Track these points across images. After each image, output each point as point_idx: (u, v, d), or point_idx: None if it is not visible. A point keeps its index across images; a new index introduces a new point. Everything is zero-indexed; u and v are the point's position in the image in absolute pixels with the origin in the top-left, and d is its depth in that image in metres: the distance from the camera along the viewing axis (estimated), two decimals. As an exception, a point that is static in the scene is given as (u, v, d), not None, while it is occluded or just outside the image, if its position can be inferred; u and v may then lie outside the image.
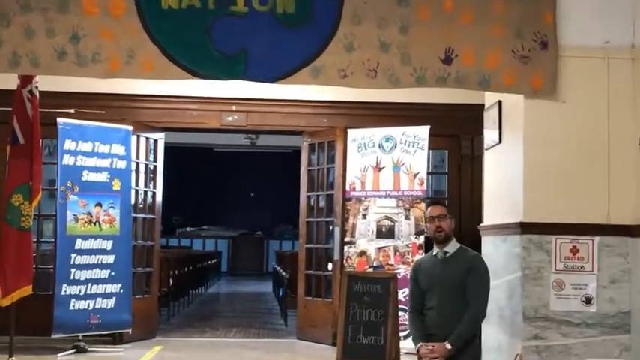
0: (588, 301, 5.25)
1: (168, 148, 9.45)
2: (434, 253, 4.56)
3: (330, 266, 8.82)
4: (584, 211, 5.34)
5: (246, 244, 23.78)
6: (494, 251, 5.83)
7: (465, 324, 4.32)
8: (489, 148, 6.21)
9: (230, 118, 9.01)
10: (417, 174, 8.01)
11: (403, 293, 7.01)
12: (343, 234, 8.39)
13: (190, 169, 24.38)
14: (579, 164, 5.39)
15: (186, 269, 12.57)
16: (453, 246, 4.55)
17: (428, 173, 8.37)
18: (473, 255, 4.56)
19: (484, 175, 6.53)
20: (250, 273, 22.41)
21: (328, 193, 9.02)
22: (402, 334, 7.18)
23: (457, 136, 9.05)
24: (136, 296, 8.49)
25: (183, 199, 24.32)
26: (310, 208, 9.26)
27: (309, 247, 9.14)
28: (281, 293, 11.74)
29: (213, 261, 18.59)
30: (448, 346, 4.24)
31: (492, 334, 5.81)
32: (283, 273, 11.57)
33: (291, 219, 24.53)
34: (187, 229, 24.93)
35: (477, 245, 6.10)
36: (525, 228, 5.31)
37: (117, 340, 8.22)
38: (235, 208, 25.02)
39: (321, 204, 9.19)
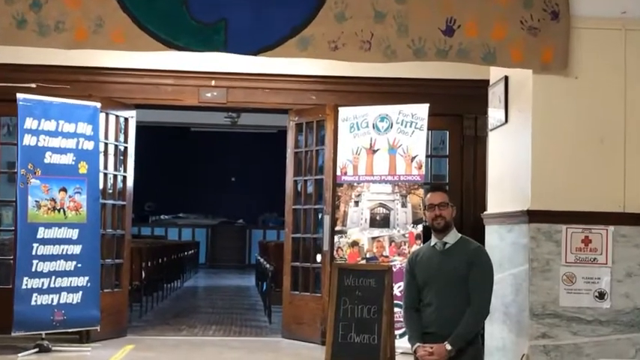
0: (601, 296, 5.28)
1: (141, 128, 9.41)
2: (432, 244, 4.56)
3: (318, 258, 8.84)
4: (597, 198, 5.35)
5: (227, 233, 23.82)
6: (499, 242, 5.85)
7: (467, 322, 4.33)
8: (494, 128, 6.22)
9: (209, 95, 8.99)
10: (414, 157, 8.01)
11: (399, 288, 7.04)
12: (333, 223, 8.40)
13: (165, 150, 24.34)
14: (593, 146, 5.41)
15: (160, 261, 12.56)
16: (453, 236, 4.55)
17: (427, 156, 8.39)
18: (475, 247, 4.56)
19: (488, 158, 6.54)
20: (231, 265, 22.46)
21: (317, 177, 9.02)
22: (397, 332, 7.23)
23: (459, 115, 9.05)
24: (105, 290, 8.47)
25: (157, 184, 24.28)
26: (297, 194, 9.26)
27: (295, 236, 9.15)
28: (265, 287, 11.77)
29: (191, 252, 18.62)
30: (448, 347, 4.26)
31: (496, 333, 5.84)
32: (267, 265, 11.59)
33: (277, 206, 24.49)
34: (161, 217, 24.93)
35: (480, 235, 6.13)
36: (533, 216, 5.33)
37: (84, 338, 8.20)
38: (215, 194, 25.02)
39: (310, 189, 9.18)
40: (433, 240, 4.57)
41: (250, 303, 13.38)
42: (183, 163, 25.11)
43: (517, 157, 5.67)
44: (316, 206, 9.01)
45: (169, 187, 24.99)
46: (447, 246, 4.52)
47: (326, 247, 8.60)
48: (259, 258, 15.04)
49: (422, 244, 7.81)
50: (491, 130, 6.34)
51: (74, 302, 7.90)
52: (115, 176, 8.89)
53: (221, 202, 25.10)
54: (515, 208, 5.55)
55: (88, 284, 8.00)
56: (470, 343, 4.41)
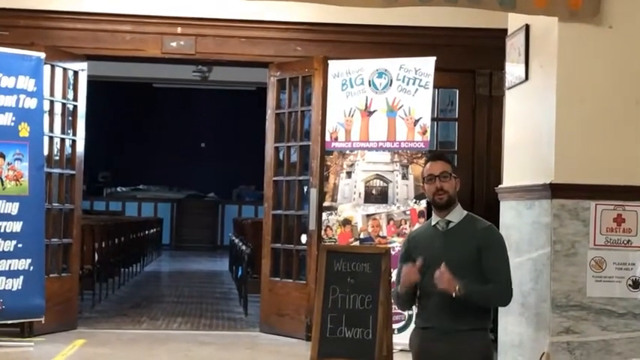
0: (636, 285, 5.31)
1: (93, 84, 9.39)
2: (433, 224, 4.53)
3: (303, 239, 8.87)
4: (632, 170, 5.36)
5: (195, 209, 23.91)
6: (517, 221, 5.87)
7: (488, 287, 4.32)
8: (512, 86, 6.21)
9: (174, 44, 8.96)
10: (418, 120, 8.03)
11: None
12: (321, 197, 8.42)
13: (122, 111, 24.31)
14: (627, 109, 5.41)
15: (116, 241, 12.58)
16: (457, 214, 4.51)
17: (432, 119, 8.41)
18: (485, 226, 4.52)
19: (505, 121, 6.53)
20: (200, 247, 22.58)
21: (302, 143, 9.03)
22: (395, 326, 7.32)
23: (471, 71, 9.07)
24: (51, 276, 8.47)
25: (112, 151, 24.29)
26: (279, 164, 9.27)
27: (277, 213, 9.18)
28: (240, 273, 11.80)
29: (153, 231, 18.64)
30: (458, 285, 4.23)
31: (512, 327, 5.87)
32: (243, 247, 11.62)
33: (254, 178, 24.52)
34: (118, 189, 24.93)
35: (494, 213, 6.15)
36: (557, 191, 5.33)
37: (26, 331, 8.20)
38: (181, 162, 24.98)
39: (293, 158, 9.19)
40: (434, 218, 4.54)
41: (223, 291, 13.44)
42: (144, 126, 25.06)
43: (539, 121, 5.67)
44: (301, 178, 9.02)
45: (127, 154, 24.97)
46: (451, 225, 4.48)
47: (312, 226, 8.63)
48: (234, 238, 15.08)
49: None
50: (508, 88, 6.33)
51: (14, 289, 7.87)
52: (63, 140, 8.84)
53: (189, 173, 25.08)
54: (536, 181, 5.55)
55: (31, 268, 7.97)
56: (478, 338, 4.41)
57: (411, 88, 8.07)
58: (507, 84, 6.34)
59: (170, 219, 23.43)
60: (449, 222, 4.44)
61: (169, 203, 23.87)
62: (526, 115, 5.98)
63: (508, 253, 4.58)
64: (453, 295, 4.23)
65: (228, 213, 23.45)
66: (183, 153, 25.06)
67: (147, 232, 17.40)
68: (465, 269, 4.32)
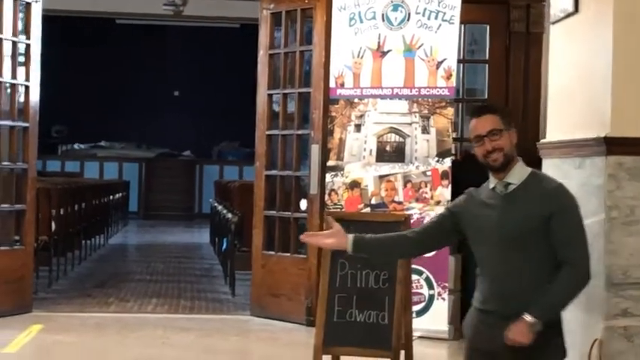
0: None
1: (44, 19, 9.30)
2: (491, 187, 4.39)
3: (303, 204, 8.89)
4: None
5: (168, 170, 23.97)
6: (563, 182, 5.83)
7: (563, 283, 4.19)
8: (558, 21, 6.15)
9: None
10: (441, 62, 8.01)
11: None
12: (325, 155, 8.43)
13: (79, 53, 24.17)
14: (700, 47, 5.36)
15: (76, 208, 12.53)
16: (518, 174, 4.34)
17: (458, 61, 8.36)
18: (553, 187, 4.36)
19: (549, 64, 6.48)
20: (174, 215, 22.67)
21: (302, 90, 9.01)
22: (414, 308, 7.33)
23: (504, 2, 9.04)
24: (1, 248, 8.54)
25: (68, 101, 24.14)
26: (273, 115, 9.25)
27: (271, 174, 9.19)
28: (225, 246, 11.80)
29: (118, 196, 18.62)
30: (529, 318, 4.11)
31: (557, 310, 5.86)
32: (229, 215, 11.59)
33: (239, 132, 24.62)
34: (75, 146, 24.88)
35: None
36: (613, 146, 5.30)
37: (-28, 315, 8.26)
38: (150, 115, 24.95)
39: (291, 108, 9.17)
40: (492, 181, 4.38)
41: (204, 267, 13.49)
42: (106, 72, 24.93)
43: (591, 63, 5.62)
44: (300, 132, 9.03)
45: (86, 105, 24.87)
46: (511, 188, 4.34)
47: (314, 189, 8.64)
48: (216, 205, 15.07)
49: (449, 186, 7.95)
50: (552, 23, 6.27)
51: None
52: (13, 86, 8.84)
53: (160, 127, 25.08)
54: (588, 135, 5.52)
55: None
56: (552, 329, 4.29)
57: (433, 23, 8.05)
58: (552, 18, 6.27)
59: (138, 182, 23.42)
60: (508, 184, 4.30)
61: (137, 163, 23.87)
62: (575, 55, 5.93)
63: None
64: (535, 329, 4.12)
65: (207, 175, 23.46)
66: (153, 103, 25.03)
67: (111, 197, 17.38)
68: (528, 238, 4.21)
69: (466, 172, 8.42)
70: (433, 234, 4.48)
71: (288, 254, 8.98)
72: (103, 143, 24.96)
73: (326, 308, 6.56)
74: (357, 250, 4.41)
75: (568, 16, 5.97)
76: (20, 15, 8.85)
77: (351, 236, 4.37)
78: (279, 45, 9.23)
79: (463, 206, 4.36)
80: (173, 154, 24.93)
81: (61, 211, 11.30)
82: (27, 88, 8.89)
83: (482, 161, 4.26)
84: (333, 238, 4.40)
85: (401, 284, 6.50)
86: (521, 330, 4.05)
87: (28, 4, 8.86)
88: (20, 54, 8.88)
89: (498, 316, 4.18)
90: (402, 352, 6.45)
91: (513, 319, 4.09)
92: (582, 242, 4.25)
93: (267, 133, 9.21)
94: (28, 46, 8.89)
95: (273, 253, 9.09)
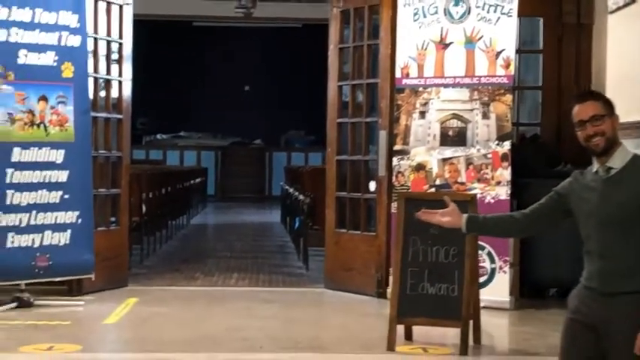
0: None
1: (133, 22, 9.25)
2: (594, 170, 4.19)
3: (372, 186, 8.78)
4: None
5: (241, 157, 23.88)
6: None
7: None
8: (617, 9, 5.96)
9: None
10: (500, 52, 7.91)
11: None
12: (392, 141, 8.35)
13: (160, 52, 24.15)
14: None
15: (163, 192, 12.53)
16: (620, 157, 4.11)
17: (516, 51, 8.24)
18: None
19: (607, 52, 6.27)
20: (247, 197, 22.63)
21: (369, 81, 8.92)
22: (481, 278, 7.18)
23: (557, -5, 8.95)
24: (99, 229, 8.47)
25: (151, 96, 24.13)
26: (343, 105, 9.19)
27: (341, 159, 9.12)
28: (297, 225, 11.70)
29: (197, 181, 18.61)
30: None
31: None
32: (301, 197, 11.49)
33: (305, 122, 24.64)
34: (158, 136, 24.91)
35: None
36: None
37: (74, 290, 8.22)
38: (224, 107, 24.90)
39: (359, 98, 9.10)
40: (594, 164, 4.19)
41: (277, 244, 13.44)
42: (184, 69, 24.95)
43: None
44: (368, 119, 8.94)
45: (167, 98, 24.90)
46: (613, 172, 4.14)
47: (382, 172, 8.55)
48: (287, 187, 14.99)
49: (509, 167, 7.78)
50: (611, 12, 6.08)
51: (61, 244, 7.86)
52: (109, 82, 8.81)
53: (233, 118, 25.01)
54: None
55: (79, 221, 7.96)
56: None
57: (492, 16, 7.96)
58: (610, 6, 6.07)
59: (214, 168, 23.46)
60: (610, 168, 4.10)
61: (213, 151, 23.88)
62: (634, 43, 5.71)
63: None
64: None
65: (276, 161, 23.42)
66: (226, 97, 24.97)
67: (191, 182, 17.37)
68: (629, 220, 4.01)
69: (523, 154, 8.34)
70: (543, 215, 4.27)
71: (359, 232, 8.90)
72: (182, 133, 24.99)
73: (400, 282, 6.46)
74: (470, 229, 4.29)
75: (627, 4, 5.78)
76: (114, 15, 8.79)
77: (465, 216, 4.24)
78: (347, 40, 9.15)
79: (570, 188, 4.16)
80: (245, 143, 24.91)
81: (150, 195, 11.32)
82: (120, 83, 8.88)
83: (584, 145, 4.05)
84: (449, 216, 4.25)
85: (469, 258, 6.38)
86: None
87: (121, 7, 8.83)
88: (114, 52, 8.85)
89: (599, 293, 4.00)
90: (470, 322, 6.33)
91: (614, 297, 3.93)
92: None
93: (338, 121, 9.13)
94: (120, 45, 8.87)
95: (344, 230, 9.01)
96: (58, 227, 7.86)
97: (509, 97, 7.91)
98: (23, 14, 7.70)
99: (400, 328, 6.48)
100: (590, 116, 3.97)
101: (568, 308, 4.14)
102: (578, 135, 4.01)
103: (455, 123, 8.08)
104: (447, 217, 4.26)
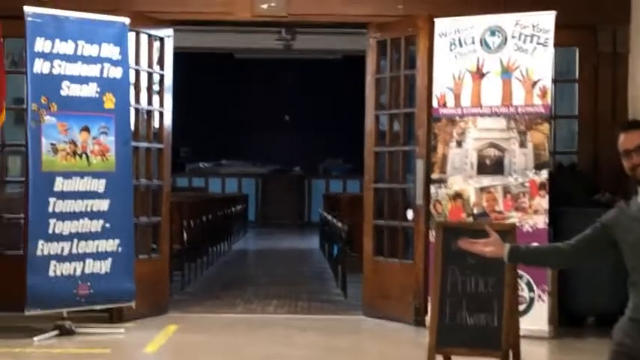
0: None
1: (174, 54, 9.20)
2: (639, 200, 4.01)
3: (409, 214, 8.60)
4: None
5: (281, 184, 23.84)
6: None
7: None
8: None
9: (264, 6, 8.85)
10: (537, 81, 7.81)
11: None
12: (429, 169, 8.21)
13: (202, 83, 24.21)
14: None
15: (204, 219, 12.38)
16: None
17: (552, 81, 8.17)
18: None
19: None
20: (287, 223, 22.59)
21: (406, 110, 8.76)
22: (521, 307, 6.93)
23: (591, 26, 8.83)
24: (140, 257, 8.38)
25: (193, 125, 24.17)
26: (380, 134, 9.03)
27: (379, 187, 8.95)
28: (336, 252, 11.46)
29: (238, 207, 18.48)
30: None
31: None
32: (339, 224, 11.25)
33: (342, 150, 24.55)
34: (200, 164, 24.92)
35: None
36: None
37: (115, 317, 8.16)
38: (264, 136, 24.93)
39: (396, 127, 8.96)
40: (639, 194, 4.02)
41: (316, 271, 13.23)
42: (225, 99, 25.02)
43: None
44: (406, 148, 8.81)
45: (209, 128, 25.00)
46: None
47: (419, 200, 8.40)
48: (325, 214, 14.78)
49: (547, 196, 7.55)
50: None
51: (102, 272, 7.83)
52: (150, 112, 8.75)
53: (272, 146, 25.08)
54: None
55: (120, 249, 7.91)
56: None
57: (528, 46, 7.87)
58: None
59: (255, 195, 23.50)
60: None
61: (253, 179, 23.92)
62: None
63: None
64: None
65: (315, 188, 23.43)
66: (266, 126, 25.05)
67: (233, 208, 17.27)
68: None
69: (560, 183, 8.10)
70: (587, 246, 4.09)
71: (397, 260, 8.69)
72: (224, 161, 25.03)
73: (438, 311, 6.21)
74: (512, 259, 4.12)
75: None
76: (156, 48, 8.73)
77: (507, 245, 4.08)
78: (384, 70, 8.99)
79: (615, 219, 3.98)
80: (284, 170, 24.90)
81: (191, 223, 11.21)
82: (161, 113, 8.81)
83: (630, 174, 3.90)
84: (491, 246, 4.09)
85: (509, 288, 6.11)
86: None
87: (162, 39, 8.79)
88: (155, 83, 8.77)
89: None
90: (510, 352, 6.06)
91: None
92: None
93: (375, 149, 8.95)
94: (162, 76, 8.80)
95: (382, 258, 8.81)
96: (99, 256, 7.82)
97: (546, 126, 7.75)
98: (66, 47, 7.73)
99: (438, 358, 6.23)
100: (636, 145, 3.85)
101: (612, 340, 3.95)
102: (624, 164, 3.90)
103: (492, 152, 7.93)
104: (489, 246, 4.10)
